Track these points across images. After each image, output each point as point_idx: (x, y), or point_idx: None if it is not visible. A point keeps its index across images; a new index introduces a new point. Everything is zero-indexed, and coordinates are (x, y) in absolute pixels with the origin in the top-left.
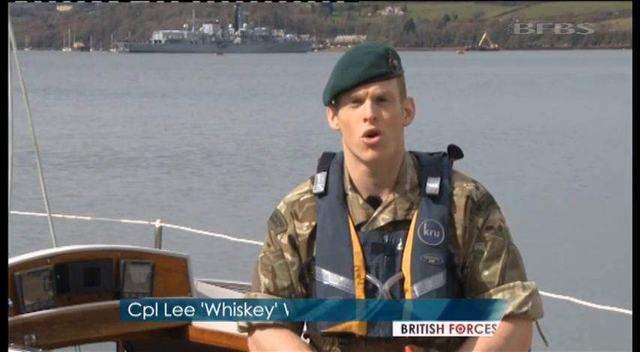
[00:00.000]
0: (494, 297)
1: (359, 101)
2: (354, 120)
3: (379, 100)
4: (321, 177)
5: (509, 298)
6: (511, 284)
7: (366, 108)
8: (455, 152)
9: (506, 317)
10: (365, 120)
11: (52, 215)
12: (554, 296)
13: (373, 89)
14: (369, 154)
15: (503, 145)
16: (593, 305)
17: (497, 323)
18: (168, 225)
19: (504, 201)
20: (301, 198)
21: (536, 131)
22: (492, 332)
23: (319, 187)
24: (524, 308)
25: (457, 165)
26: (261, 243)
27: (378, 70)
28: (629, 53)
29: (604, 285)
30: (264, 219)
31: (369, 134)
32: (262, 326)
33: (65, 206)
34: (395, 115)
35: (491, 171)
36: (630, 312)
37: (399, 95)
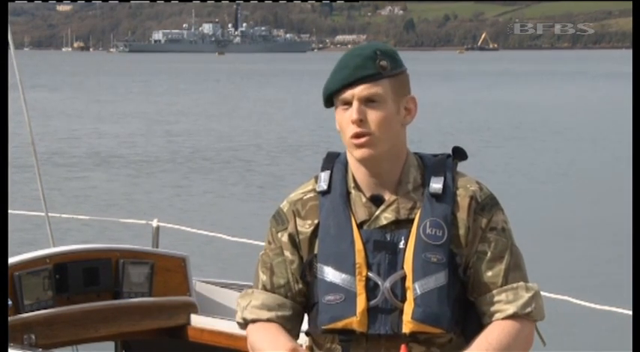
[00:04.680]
0: (497, 298)
1: (348, 103)
2: (345, 122)
3: (367, 102)
4: (324, 176)
5: (512, 299)
6: (514, 285)
7: (353, 111)
8: (459, 153)
9: (510, 318)
10: (353, 122)
11: (49, 214)
12: (552, 296)
13: (359, 91)
14: (358, 153)
15: (501, 143)
16: (591, 305)
17: (501, 322)
18: (166, 225)
19: (501, 199)
20: (304, 197)
21: (533, 130)
22: (496, 331)
23: (322, 185)
24: (528, 309)
25: (460, 166)
26: (258, 242)
27: (363, 71)
28: (629, 53)
29: (603, 285)
30: (262, 219)
31: (357, 135)
32: (255, 322)
33: (62, 205)
34: (385, 115)
35: (489, 168)
36: (630, 312)
37: (393, 95)
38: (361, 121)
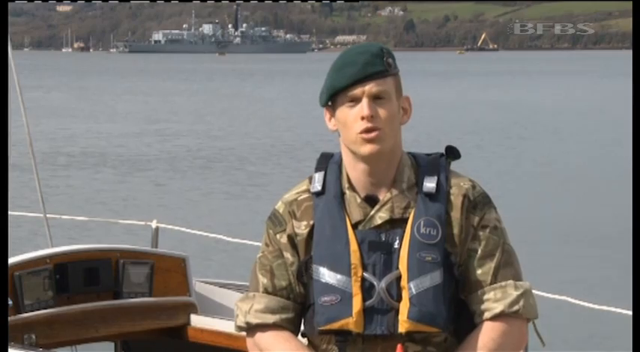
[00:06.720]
0: (485, 296)
1: (356, 100)
2: (352, 119)
3: (376, 98)
4: (318, 177)
5: (500, 297)
6: (503, 283)
7: (364, 107)
8: (452, 153)
9: (498, 317)
10: (362, 118)
11: (48, 215)
12: (551, 296)
13: (369, 87)
14: (367, 149)
15: (500, 144)
16: (591, 305)
17: (489, 322)
18: (165, 226)
19: (501, 199)
20: (299, 198)
21: (533, 128)
22: (484, 331)
23: (317, 186)
24: (515, 308)
25: (454, 164)
26: (258, 243)
27: (373, 68)
28: (629, 53)
29: (603, 285)
30: (261, 219)
31: (367, 130)
32: (261, 327)
33: (61, 206)
34: (392, 113)
35: (488, 168)
36: (630, 312)
37: (395, 93)
38: (372, 117)
